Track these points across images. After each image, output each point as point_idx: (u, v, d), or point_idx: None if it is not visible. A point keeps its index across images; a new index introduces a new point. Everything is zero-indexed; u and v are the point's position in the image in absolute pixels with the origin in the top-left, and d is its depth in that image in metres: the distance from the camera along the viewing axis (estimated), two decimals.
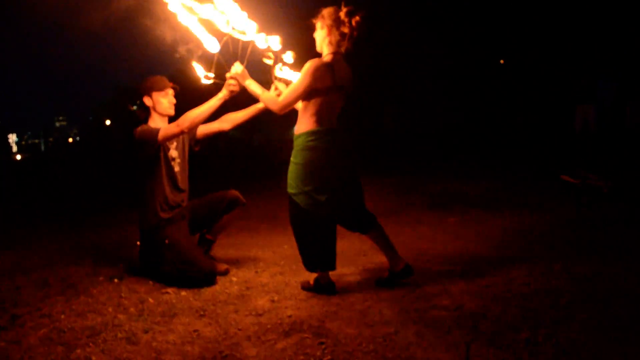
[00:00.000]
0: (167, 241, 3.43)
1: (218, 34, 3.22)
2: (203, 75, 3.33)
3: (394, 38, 18.17)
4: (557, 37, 15.92)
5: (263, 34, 3.31)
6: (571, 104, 9.51)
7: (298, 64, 3.42)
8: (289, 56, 3.49)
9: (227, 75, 3.30)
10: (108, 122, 44.51)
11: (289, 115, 3.39)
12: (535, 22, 16.35)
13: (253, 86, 3.25)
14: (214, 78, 3.34)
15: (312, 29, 3.24)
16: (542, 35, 16.36)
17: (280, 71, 3.53)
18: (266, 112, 3.59)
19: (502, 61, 19.09)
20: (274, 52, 3.42)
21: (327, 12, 3.15)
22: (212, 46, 3.21)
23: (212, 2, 3.14)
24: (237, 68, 3.27)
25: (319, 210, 3.10)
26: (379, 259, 3.59)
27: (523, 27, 16.69)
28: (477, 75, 18.24)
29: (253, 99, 3.43)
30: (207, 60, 3.29)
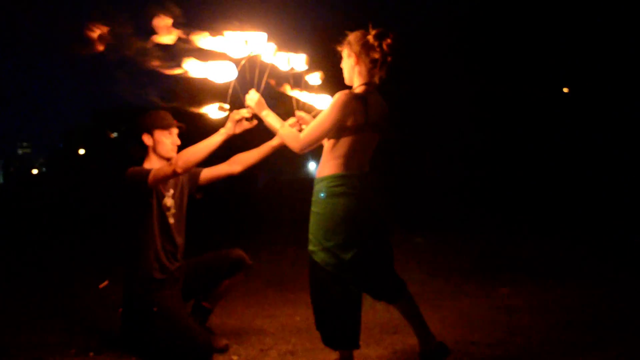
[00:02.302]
0: (155, 308, 3.46)
1: (235, 60, 3.26)
2: (217, 106, 3.33)
3: (435, 65, 18.35)
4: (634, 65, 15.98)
5: (285, 54, 3.36)
6: None
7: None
8: (315, 77, 3.53)
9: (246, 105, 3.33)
10: (82, 152, 45.19)
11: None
12: (607, 45, 16.40)
13: (270, 118, 3.24)
14: (230, 110, 3.34)
15: (339, 58, 3.32)
16: (615, 61, 16.41)
17: (301, 95, 3.55)
18: (281, 149, 3.67)
19: (566, 89, 19.05)
20: (297, 73, 3.49)
21: (353, 37, 3.20)
22: (229, 72, 3.23)
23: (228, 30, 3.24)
24: (252, 96, 3.28)
25: (342, 271, 3.10)
26: (413, 338, 3.59)
27: (592, 50, 16.74)
28: (534, 108, 18.15)
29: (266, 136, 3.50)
30: (222, 90, 3.32)
